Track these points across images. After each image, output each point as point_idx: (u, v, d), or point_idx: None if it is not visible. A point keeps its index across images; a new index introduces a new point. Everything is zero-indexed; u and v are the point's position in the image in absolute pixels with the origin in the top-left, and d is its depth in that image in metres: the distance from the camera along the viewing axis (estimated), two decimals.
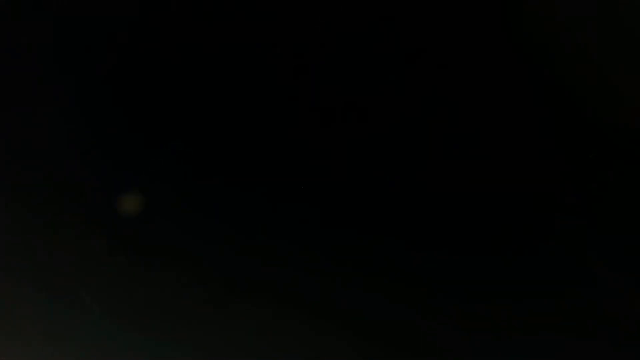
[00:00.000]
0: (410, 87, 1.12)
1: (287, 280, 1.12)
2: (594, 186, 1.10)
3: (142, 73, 1.14)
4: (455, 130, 1.11)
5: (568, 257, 1.09)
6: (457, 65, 1.12)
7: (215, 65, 1.13)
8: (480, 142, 1.11)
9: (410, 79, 1.12)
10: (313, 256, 1.12)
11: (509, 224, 1.10)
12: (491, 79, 1.12)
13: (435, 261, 1.11)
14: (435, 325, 1.10)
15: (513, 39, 1.12)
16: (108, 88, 1.14)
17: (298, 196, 1.12)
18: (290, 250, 1.12)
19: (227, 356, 1.12)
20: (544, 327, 1.09)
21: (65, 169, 1.13)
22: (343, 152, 1.12)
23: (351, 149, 1.12)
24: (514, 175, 1.11)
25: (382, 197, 1.12)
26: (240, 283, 1.12)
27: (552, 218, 1.10)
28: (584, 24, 1.10)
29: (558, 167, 1.10)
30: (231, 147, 1.13)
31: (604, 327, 1.09)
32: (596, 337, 1.09)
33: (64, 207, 1.13)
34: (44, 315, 1.12)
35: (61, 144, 1.13)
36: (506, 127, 1.11)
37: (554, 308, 1.09)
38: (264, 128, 1.13)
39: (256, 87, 1.13)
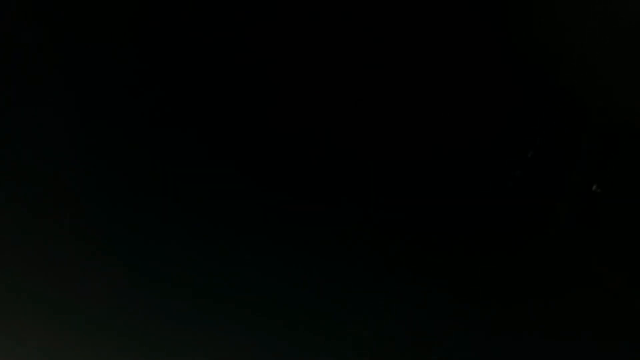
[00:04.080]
0: (409, 86, 1.12)
1: (285, 280, 1.12)
2: (593, 186, 1.10)
3: (141, 73, 1.14)
4: (456, 130, 1.12)
5: (568, 256, 1.10)
6: (456, 65, 1.12)
7: (214, 64, 1.13)
8: (480, 142, 1.12)
9: (409, 79, 1.12)
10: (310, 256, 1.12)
11: (508, 223, 1.11)
12: (491, 78, 1.12)
13: (435, 259, 1.12)
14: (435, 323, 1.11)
15: (512, 39, 1.12)
16: (105, 88, 1.14)
17: (296, 195, 1.12)
18: (288, 248, 1.12)
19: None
20: (543, 326, 1.10)
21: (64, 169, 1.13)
22: (341, 152, 1.13)
23: (349, 148, 1.13)
24: (512, 173, 1.11)
25: (380, 197, 1.12)
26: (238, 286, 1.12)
27: (552, 217, 1.10)
28: (583, 24, 1.11)
29: (557, 166, 1.11)
30: (230, 147, 1.13)
31: (604, 327, 1.09)
32: (595, 337, 1.09)
33: (64, 207, 1.13)
34: (43, 315, 1.12)
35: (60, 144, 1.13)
36: (505, 127, 1.12)
37: (553, 307, 1.10)
38: (261, 127, 1.13)
39: (254, 87, 1.13)
